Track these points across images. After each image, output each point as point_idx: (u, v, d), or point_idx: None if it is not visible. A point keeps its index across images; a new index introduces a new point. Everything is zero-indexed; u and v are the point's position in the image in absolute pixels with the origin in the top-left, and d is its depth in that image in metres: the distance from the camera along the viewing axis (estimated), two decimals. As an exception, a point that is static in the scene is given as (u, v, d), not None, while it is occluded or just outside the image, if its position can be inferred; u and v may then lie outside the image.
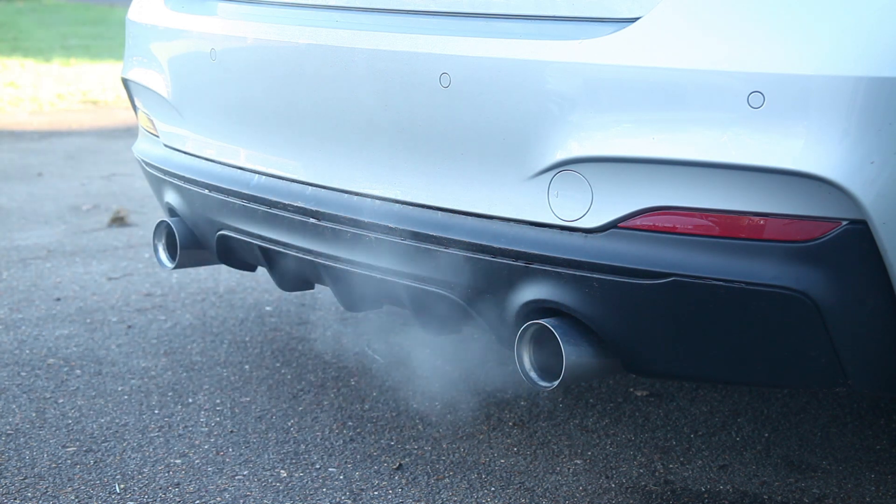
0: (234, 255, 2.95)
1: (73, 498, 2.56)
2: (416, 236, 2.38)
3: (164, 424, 2.92)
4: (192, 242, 3.03)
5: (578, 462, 2.73)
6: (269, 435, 2.86)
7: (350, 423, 2.92)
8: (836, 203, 1.97)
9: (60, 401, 3.06)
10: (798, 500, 2.56)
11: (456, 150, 2.32)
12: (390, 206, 2.44)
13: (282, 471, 2.68)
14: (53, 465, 2.70)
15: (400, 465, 2.71)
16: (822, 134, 1.94)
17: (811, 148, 1.94)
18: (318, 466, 2.70)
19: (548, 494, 2.58)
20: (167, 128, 3.02)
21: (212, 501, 2.55)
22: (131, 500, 2.56)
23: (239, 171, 2.79)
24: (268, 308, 3.79)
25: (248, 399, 3.07)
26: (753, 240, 2.03)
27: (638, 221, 2.11)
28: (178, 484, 2.62)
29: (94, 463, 2.72)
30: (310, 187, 2.61)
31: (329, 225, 2.55)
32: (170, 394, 3.10)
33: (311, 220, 2.59)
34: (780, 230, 2.01)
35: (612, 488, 2.61)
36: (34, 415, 2.97)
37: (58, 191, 5.51)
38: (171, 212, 3.09)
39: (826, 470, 2.69)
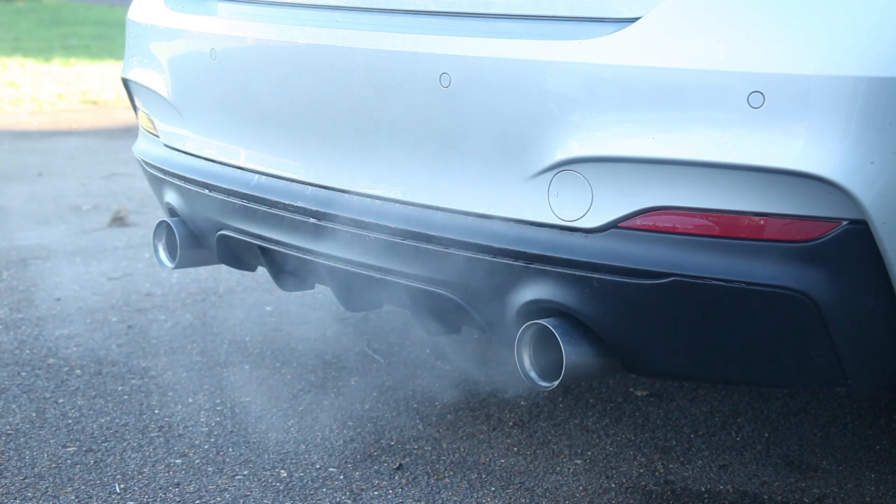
0: (235, 255, 2.95)
1: (73, 498, 2.56)
2: (417, 236, 2.38)
3: (164, 424, 2.92)
4: (192, 242, 3.03)
5: (578, 462, 2.73)
6: (269, 435, 2.86)
7: (350, 423, 2.92)
8: (836, 203, 1.97)
9: (60, 401, 3.06)
10: (798, 500, 2.56)
11: (456, 150, 2.32)
12: (390, 206, 2.44)
13: (282, 471, 2.68)
14: (53, 465, 2.70)
15: (400, 465, 2.71)
16: (822, 134, 1.94)
17: (811, 148, 1.94)
18: (318, 466, 2.70)
19: (548, 494, 2.58)
20: (167, 128, 3.02)
21: (212, 501, 2.55)
22: (131, 500, 2.56)
23: (239, 170, 2.79)
24: (268, 308, 3.79)
25: (248, 399, 3.07)
26: (753, 240, 2.03)
27: (638, 221, 2.11)
28: (178, 484, 2.62)
29: (94, 463, 2.72)
30: (310, 187, 2.61)
31: (329, 225, 2.55)
32: (170, 394, 3.10)
33: (312, 220, 2.59)
34: (780, 230, 2.01)
35: (612, 488, 2.61)
36: (34, 415, 2.97)
37: (58, 191, 5.51)
38: (172, 212, 3.09)
39: (826, 470, 2.69)
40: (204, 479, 2.64)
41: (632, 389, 3.14)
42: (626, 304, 2.16)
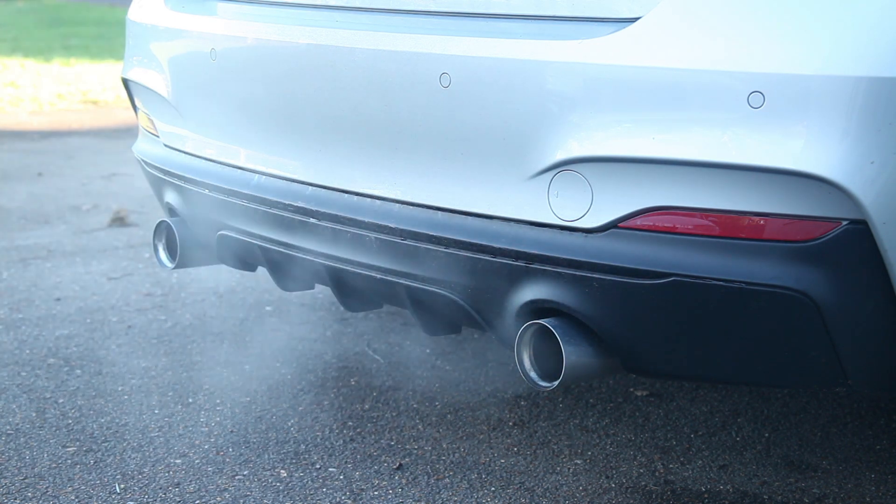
0: (235, 255, 2.95)
1: (73, 498, 2.56)
2: (416, 236, 2.38)
3: (164, 424, 2.92)
4: (192, 242, 3.03)
5: (578, 462, 2.73)
6: (269, 435, 2.86)
7: (350, 423, 2.92)
8: (836, 203, 1.97)
9: (60, 401, 3.06)
10: (798, 500, 2.56)
11: (456, 150, 2.32)
12: (390, 206, 2.44)
13: (282, 471, 2.68)
14: (53, 465, 2.70)
15: (400, 465, 2.71)
16: (822, 134, 1.94)
17: (811, 148, 1.94)
18: (318, 466, 2.70)
19: (548, 494, 2.58)
20: (167, 128, 3.02)
21: (212, 501, 2.55)
22: (131, 500, 2.56)
23: (239, 170, 2.79)
24: (268, 308, 3.79)
25: (248, 399, 3.07)
26: (753, 240, 2.03)
27: (638, 221, 2.11)
28: (178, 484, 2.62)
29: (94, 463, 2.72)
30: (310, 187, 2.61)
31: (329, 225, 2.55)
32: (170, 394, 3.10)
33: (312, 220, 2.59)
34: (781, 230, 2.02)
35: (612, 488, 2.61)
36: (34, 415, 2.97)
37: (58, 191, 5.51)
38: (172, 212, 3.09)
39: (826, 470, 2.69)
40: (204, 479, 2.64)
41: (632, 389, 3.14)
42: (626, 304, 2.16)
